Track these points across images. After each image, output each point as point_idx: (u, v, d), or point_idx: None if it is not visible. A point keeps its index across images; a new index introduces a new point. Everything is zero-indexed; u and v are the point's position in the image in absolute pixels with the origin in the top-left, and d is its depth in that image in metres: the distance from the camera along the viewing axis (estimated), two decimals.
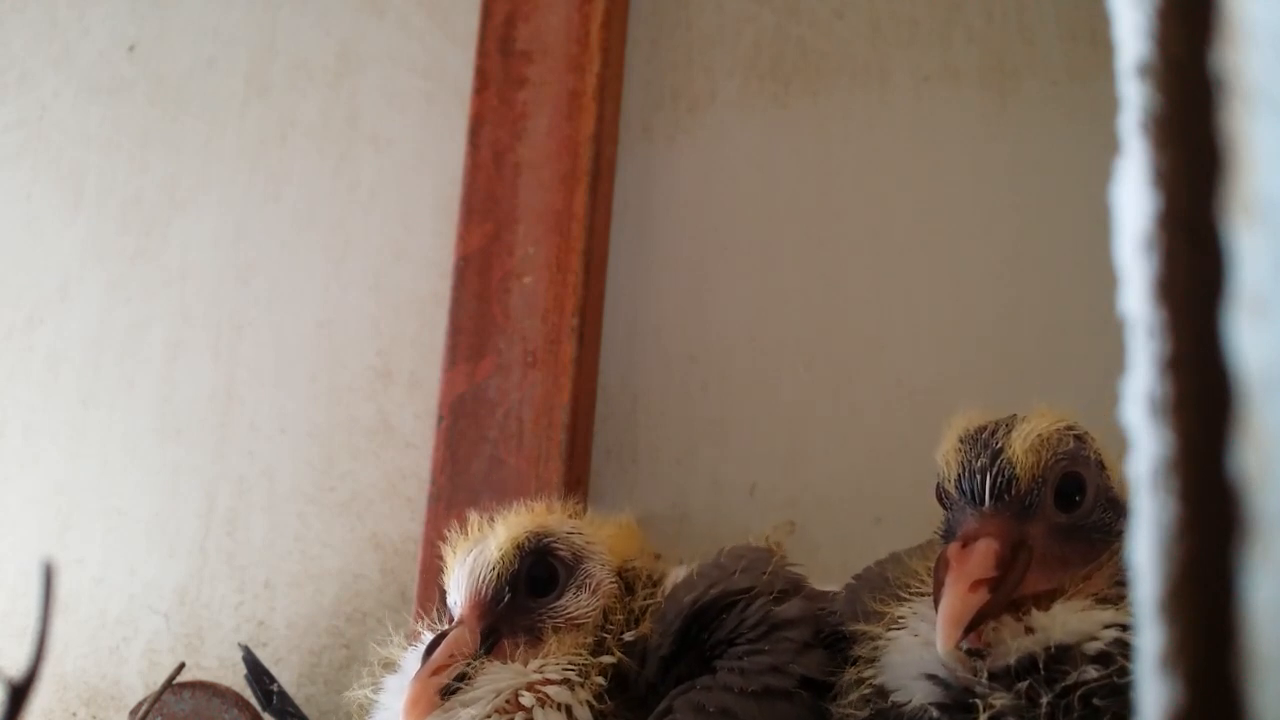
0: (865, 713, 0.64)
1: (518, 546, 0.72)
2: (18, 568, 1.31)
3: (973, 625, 0.60)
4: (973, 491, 0.64)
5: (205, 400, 1.31)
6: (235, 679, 1.09)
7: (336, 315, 1.30)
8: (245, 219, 1.35)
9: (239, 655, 1.06)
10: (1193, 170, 0.30)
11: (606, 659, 0.71)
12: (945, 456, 0.67)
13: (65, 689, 1.25)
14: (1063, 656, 0.59)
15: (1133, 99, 0.31)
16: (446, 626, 0.73)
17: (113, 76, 1.43)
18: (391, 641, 0.79)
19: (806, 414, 1.15)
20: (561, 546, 0.74)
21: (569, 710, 0.68)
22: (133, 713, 1.04)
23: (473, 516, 0.77)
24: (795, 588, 0.75)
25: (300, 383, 1.29)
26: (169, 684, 1.00)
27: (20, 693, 0.44)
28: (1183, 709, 0.29)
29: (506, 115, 1.21)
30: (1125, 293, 0.32)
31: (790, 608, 0.71)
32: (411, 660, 0.73)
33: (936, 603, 0.61)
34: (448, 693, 0.68)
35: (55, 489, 1.32)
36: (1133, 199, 0.31)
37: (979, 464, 0.64)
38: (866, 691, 0.64)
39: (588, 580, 0.74)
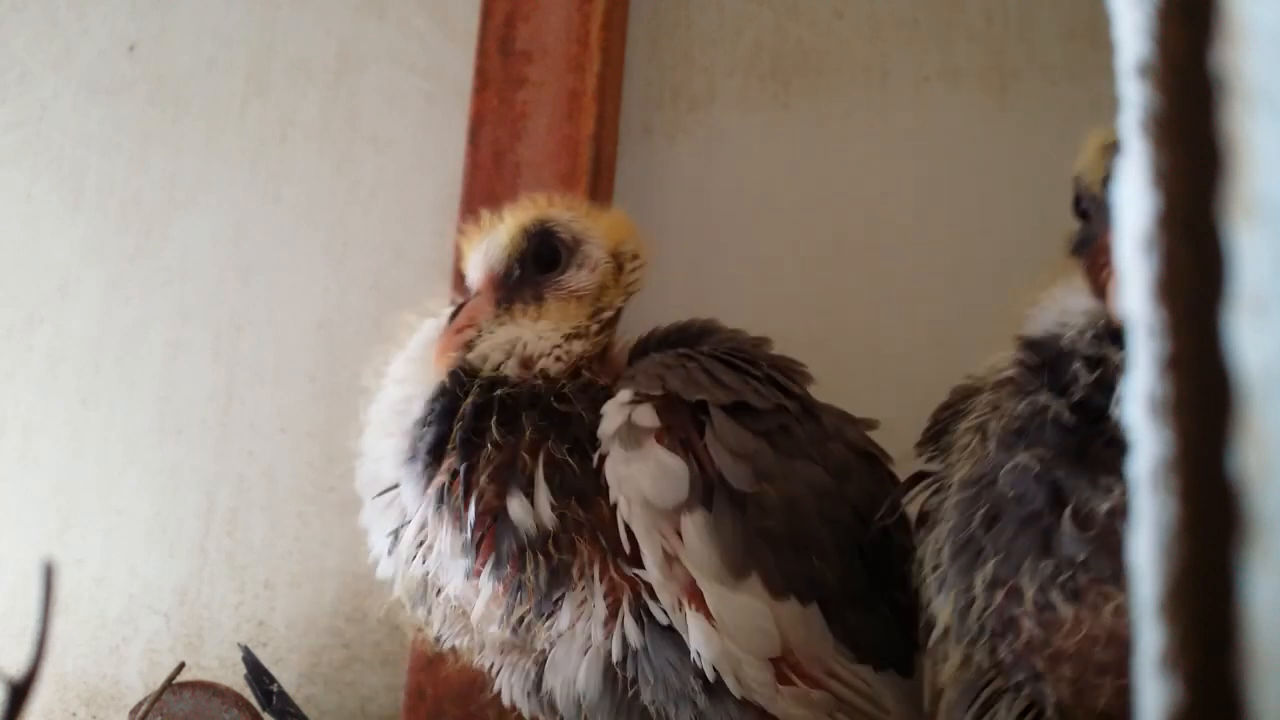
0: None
1: (524, 230, 0.81)
2: (18, 568, 1.31)
3: None
4: None
5: (205, 400, 1.31)
6: (235, 679, 1.09)
7: (336, 315, 1.30)
8: (245, 219, 1.35)
9: (239, 655, 1.06)
10: (1193, 170, 0.30)
11: (606, 315, 0.82)
12: (1088, 165, 0.70)
13: (65, 689, 1.25)
14: None
15: (1133, 99, 0.31)
16: (465, 299, 0.82)
17: (113, 76, 1.43)
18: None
19: None
20: (562, 230, 0.82)
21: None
22: (133, 713, 1.04)
23: (484, 213, 0.86)
24: None
25: (300, 383, 1.29)
26: (169, 684, 1.00)
27: (20, 693, 0.44)
28: (1183, 709, 0.29)
29: (506, 115, 1.21)
30: (1125, 293, 0.32)
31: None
32: (429, 328, 0.83)
33: (1102, 293, 0.62)
34: (470, 347, 0.77)
35: (55, 489, 1.32)
36: (1133, 199, 0.31)
37: None
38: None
39: (586, 260, 0.83)
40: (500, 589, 0.72)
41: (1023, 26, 1.20)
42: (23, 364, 1.37)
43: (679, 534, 0.70)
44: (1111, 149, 0.68)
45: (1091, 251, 0.66)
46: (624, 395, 0.73)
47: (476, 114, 1.22)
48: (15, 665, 0.46)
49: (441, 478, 0.73)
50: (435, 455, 0.74)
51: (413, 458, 0.75)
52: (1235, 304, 0.28)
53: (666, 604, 0.70)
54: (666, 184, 1.26)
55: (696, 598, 0.69)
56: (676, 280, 1.24)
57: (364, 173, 1.33)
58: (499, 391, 0.74)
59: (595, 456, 0.72)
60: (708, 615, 0.69)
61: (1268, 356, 0.28)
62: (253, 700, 1.04)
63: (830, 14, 1.25)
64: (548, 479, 0.71)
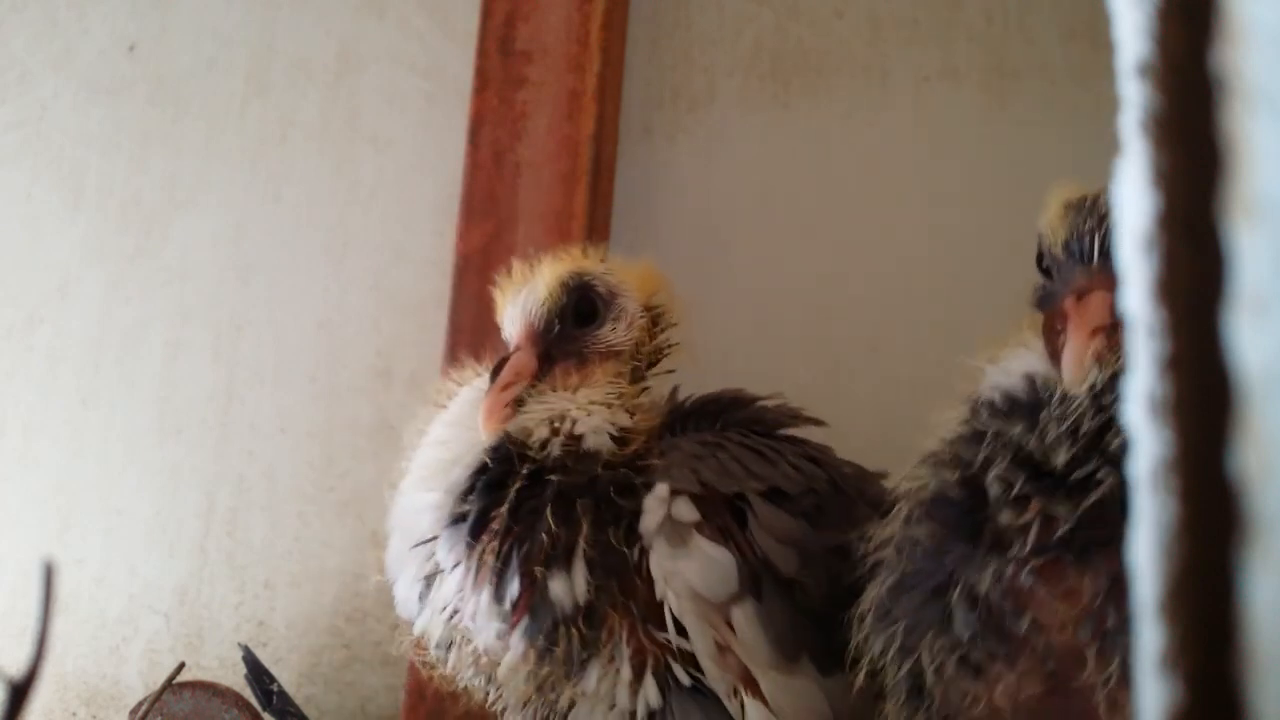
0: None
1: (562, 284, 0.82)
2: (18, 568, 1.31)
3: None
4: (1082, 252, 0.68)
5: (205, 400, 1.31)
6: (235, 679, 1.09)
7: (336, 315, 1.30)
8: (245, 219, 1.36)
9: (239, 655, 1.06)
10: (1193, 170, 0.30)
11: (645, 384, 0.83)
12: (1051, 224, 0.71)
13: (65, 689, 1.25)
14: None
15: (1133, 99, 0.31)
16: (506, 354, 0.82)
17: (113, 76, 1.43)
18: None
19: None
20: (599, 284, 0.83)
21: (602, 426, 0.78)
22: (133, 713, 1.04)
23: (515, 264, 0.86)
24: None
25: (300, 383, 1.29)
26: (169, 684, 1.00)
27: (20, 693, 0.44)
28: (1183, 709, 0.29)
29: (506, 115, 1.21)
30: (1125, 293, 0.32)
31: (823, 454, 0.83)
32: (467, 393, 0.83)
33: (1055, 359, 0.64)
34: (518, 405, 0.78)
35: (55, 489, 1.32)
36: (1133, 199, 0.31)
37: (1087, 226, 0.68)
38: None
39: (622, 313, 0.84)
40: (531, 652, 0.73)
41: (1023, 26, 1.20)
42: (23, 364, 1.37)
43: (729, 623, 0.71)
44: (1072, 208, 0.70)
45: (1049, 315, 0.68)
46: (661, 490, 0.73)
47: (476, 114, 1.22)
48: (15, 665, 0.46)
49: (486, 552, 0.74)
50: (478, 528, 0.74)
51: (455, 523, 0.75)
52: (1235, 304, 0.28)
53: (721, 692, 0.71)
54: (666, 184, 1.26)
55: (752, 685, 0.71)
56: (676, 280, 1.24)
57: (364, 173, 1.33)
58: (554, 479, 0.74)
59: (636, 548, 0.73)
60: (764, 701, 0.70)
61: (1268, 356, 0.28)
62: (253, 700, 1.04)
63: (830, 14, 1.25)
64: (589, 561, 0.72)
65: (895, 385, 1.14)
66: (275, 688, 1.04)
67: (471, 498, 0.75)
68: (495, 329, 1.16)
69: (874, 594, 0.66)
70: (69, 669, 1.25)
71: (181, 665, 1.01)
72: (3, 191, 1.44)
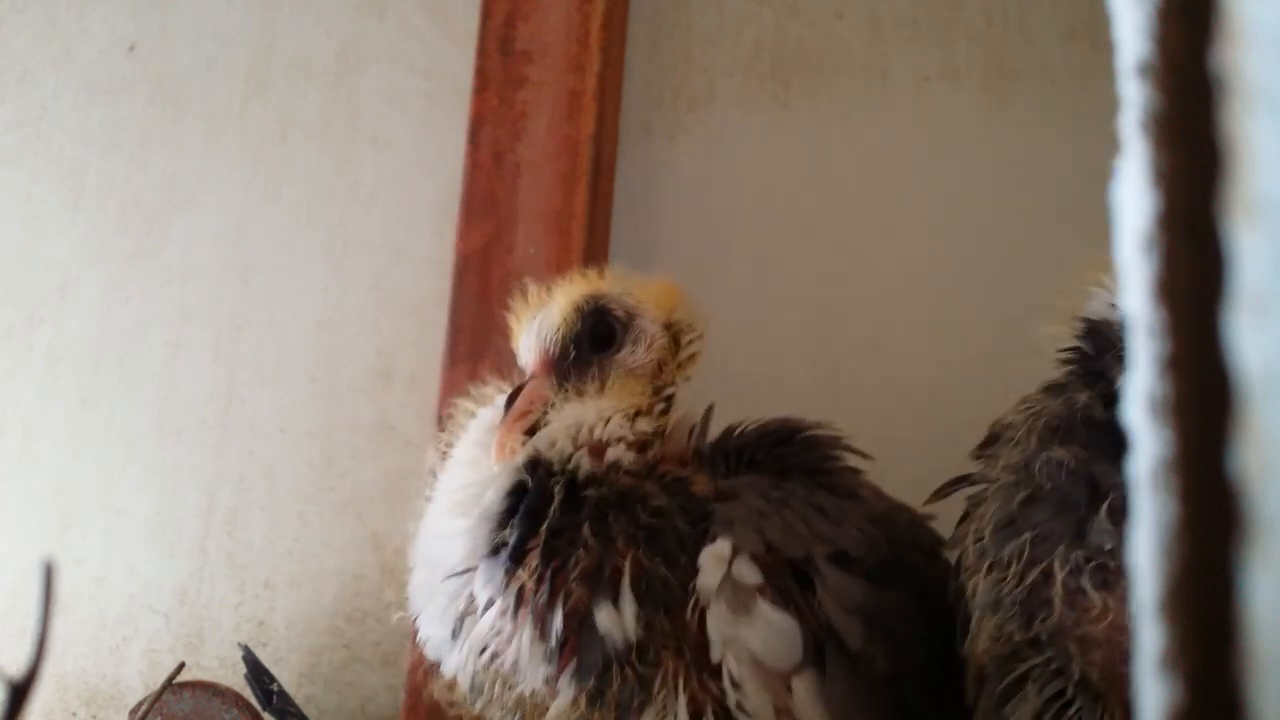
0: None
1: (577, 309, 0.80)
2: (18, 568, 1.31)
3: None
4: None
5: (205, 400, 1.31)
6: (235, 679, 1.09)
7: (336, 315, 1.30)
8: (245, 219, 1.35)
9: (239, 655, 1.06)
10: (1193, 170, 0.30)
11: (667, 392, 0.80)
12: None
13: (65, 689, 1.25)
14: None
15: (1133, 99, 0.31)
16: (521, 382, 0.80)
17: (113, 76, 1.43)
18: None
19: (806, 412, 1.15)
20: (615, 306, 0.81)
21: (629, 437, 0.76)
22: (133, 713, 1.04)
23: (530, 287, 0.84)
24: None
25: (300, 383, 1.29)
26: (169, 684, 1.00)
27: (20, 693, 0.44)
28: (1183, 709, 0.29)
29: (506, 115, 1.21)
30: (1125, 293, 0.32)
31: (871, 492, 0.80)
32: (488, 414, 0.81)
33: None
34: (531, 433, 0.76)
35: (55, 489, 1.32)
36: (1133, 199, 0.31)
37: None
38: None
39: (641, 335, 0.81)
40: (581, 697, 0.70)
41: (1023, 26, 1.20)
42: (23, 364, 1.37)
43: (788, 688, 0.69)
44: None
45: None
46: (722, 548, 0.70)
47: (476, 114, 1.22)
48: (15, 665, 0.46)
49: (526, 580, 0.71)
50: (518, 553, 0.72)
51: (493, 552, 0.73)
52: (1235, 304, 0.28)
53: None
54: (666, 184, 1.26)
55: None
56: (676, 280, 1.24)
57: (364, 173, 1.33)
58: (589, 492, 0.72)
59: (679, 573, 0.70)
60: None
61: (1268, 356, 0.28)
62: (253, 700, 1.04)
63: (830, 14, 1.25)
64: (635, 588, 0.70)
65: (895, 385, 1.14)
66: (275, 688, 1.04)
67: (513, 522, 0.72)
68: (494, 329, 1.16)
69: (992, 514, 0.65)
70: (69, 669, 1.25)
71: (181, 665, 1.01)
72: (3, 191, 1.44)
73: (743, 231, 1.23)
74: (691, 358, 0.83)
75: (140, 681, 1.23)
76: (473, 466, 0.77)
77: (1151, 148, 0.31)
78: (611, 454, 0.74)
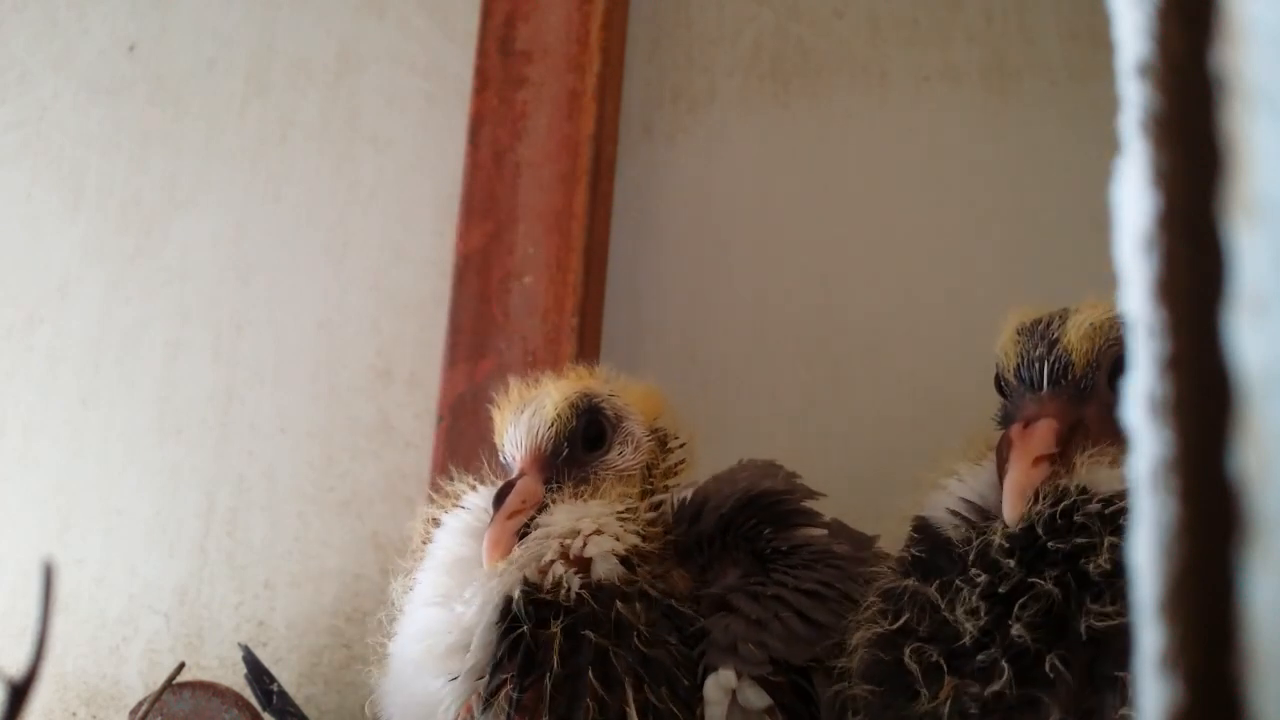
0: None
1: (571, 405, 0.78)
2: (18, 568, 1.31)
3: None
4: (1031, 379, 0.68)
5: (205, 400, 1.31)
6: (235, 679, 1.09)
7: (336, 315, 1.30)
8: (245, 219, 1.35)
9: (239, 655, 1.06)
10: (1193, 170, 0.30)
11: (658, 498, 0.78)
12: (1004, 348, 0.71)
13: (65, 689, 1.25)
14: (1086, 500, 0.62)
15: (1133, 99, 0.31)
16: (510, 478, 0.77)
17: (113, 76, 1.43)
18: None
19: (806, 413, 1.15)
20: (606, 406, 0.80)
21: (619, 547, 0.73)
22: (133, 713, 1.04)
23: (514, 381, 0.82)
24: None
25: (300, 383, 1.29)
26: (169, 684, 1.00)
27: (20, 693, 0.44)
28: (1183, 709, 0.29)
29: (506, 115, 1.21)
30: (1125, 293, 0.32)
31: (841, 546, 0.77)
32: (470, 508, 0.78)
33: (1001, 478, 0.65)
34: (523, 535, 0.73)
35: (55, 489, 1.32)
36: (1133, 199, 0.31)
37: (1037, 353, 0.69)
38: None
39: (629, 437, 0.80)
40: None
41: (1023, 26, 1.20)
42: (23, 364, 1.37)
43: None
44: (1024, 332, 0.70)
45: (1001, 440, 0.68)
46: (726, 678, 0.68)
47: (476, 114, 1.22)
48: (15, 665, 0.46)
49: None
50: (519, 705, 0.68)
51: (484, 678, 0.70)
52: (1235, 304, 0.28)
53: None
54: (666, 184, 1.26)
55: None
56: (676, 281, 1.24)
57: (364, 173, 1.33)
58: (589, 635, 0.68)
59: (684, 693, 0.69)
60: None
61: (1268, 356, 0.28)
62: (253, 700, 1.04)
63: (830, 14, 1.25)
64: None
65: (895, 386, 1.14)
66: (275, 688, 1.04)
67: (500, 666, 0.69)
68: (494, 329, 1.17)
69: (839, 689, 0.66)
70: (69, 669, 1.25)
71: (181, 665, 1.01)
72: (3, 191, 1.44)
73: (743, 231, 1.23)
74: (679, 465, 0.82)
75: (140, 681, 1.23)
76: (455, 568, 0.74)
77: (1151, 148, 0.31)
78: (600, 571, 0.71)
